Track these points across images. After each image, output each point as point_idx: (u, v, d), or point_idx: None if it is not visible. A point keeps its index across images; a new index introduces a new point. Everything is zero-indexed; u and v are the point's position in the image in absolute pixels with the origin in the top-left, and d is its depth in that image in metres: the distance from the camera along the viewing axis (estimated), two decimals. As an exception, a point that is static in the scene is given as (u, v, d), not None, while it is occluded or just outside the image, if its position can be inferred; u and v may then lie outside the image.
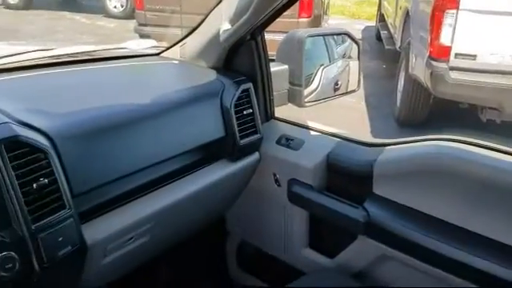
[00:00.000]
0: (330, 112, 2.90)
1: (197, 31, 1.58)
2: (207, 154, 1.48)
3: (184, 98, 1.36)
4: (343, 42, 1.98)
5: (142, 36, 6.05)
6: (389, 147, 1.38)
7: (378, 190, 1.34)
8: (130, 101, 1.28)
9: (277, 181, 1.55)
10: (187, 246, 1.69)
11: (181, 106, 1.34)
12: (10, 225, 0.94)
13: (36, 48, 1.68)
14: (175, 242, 1.57)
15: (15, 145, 0.97)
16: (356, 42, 1.85)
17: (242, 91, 1.47)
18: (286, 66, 1.69)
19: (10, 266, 0.92)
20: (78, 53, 1.69)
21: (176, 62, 1.65)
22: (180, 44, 1.66)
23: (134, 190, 1.28)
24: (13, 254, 0.92)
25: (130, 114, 1.23)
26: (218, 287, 1.94)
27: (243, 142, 1.46)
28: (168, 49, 1.72)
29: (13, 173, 0.95)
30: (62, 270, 1.06)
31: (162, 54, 1.73)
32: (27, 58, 1.57)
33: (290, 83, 1.70)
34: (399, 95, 4.75)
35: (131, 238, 1.25)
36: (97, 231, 1.13)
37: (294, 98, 1.70)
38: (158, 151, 1.27)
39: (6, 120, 1.02)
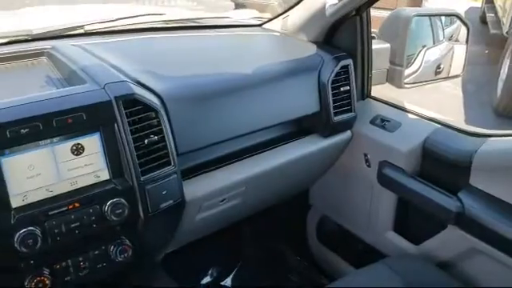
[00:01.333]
0: (422, 95, 2.78)
1: (301, 4, 1.58)
2: (300, 127, 1.50)
3: (283, 71, 1.38)
4: (451, 23, 1.88)
5: (238, 5, 6.11)
6: (492, 138, 1.31)
7: (475, 181, 1.29)
8: (232, 69, 1.32)
9: (367, 161, 1.54)
10: (271, 214, 1.74)
11: (279, 78, 1.36)
12: (122, 175, 1.03)
13: (147, 12, 1.77)
14: (261, 209, 1.63)
15: (131, 102, 1.05)
16: (466, 25, 1.75)
17: (341, 67, 1.46)
18: (388, 45, 1.65)
19: (120, 211, 1.01)
20: (185, 19, 1.76)
21: (277, 33, 1.67)
22: (282, 16, 1.67)
23: (230, 156, 1.34)
24: (123, 200, 1.01)
25: (233, 83, 1.28)
26: (297, 256, 1.99)
27: (337, 118, 1.46)
28: (270, 20, 1.74)
29: (128, 128, 1.03)
30: (161, 221, 1.15)
31: (263, 26, 1.75)
32: (138, 21, 1.67)
33: (391, 62, 1.66)
34: (501, 84, 4.42)
35: (224, 199, 1.32)
36: (195, 189, 1.21)
37: (393, 78, 1.66)
38: (254, 121, 1.32)
39: (125, 79, 1.11)
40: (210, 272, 1.88)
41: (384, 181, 1.48)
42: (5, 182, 0.91)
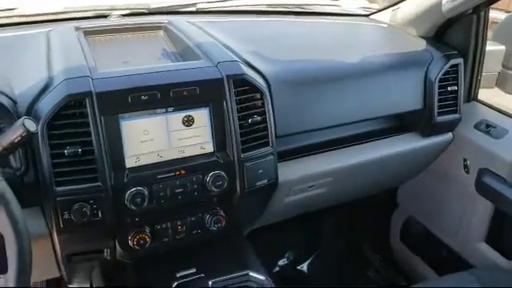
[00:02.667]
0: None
1: (415, -3, 1.53)
2: (399, 123, 1.47)
3: (389, 64, 1.36)
4: None
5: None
6: None
7: None
8: (338, 58, 1.32)
9: (466, 166, 1.48)
10: (356, 207, 1.73)
11: (385, 71, 1.34)
12: (225, 150, 1.09)
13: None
14: (346, 201, 1.62)
15: (241, 82, 1.09)
16: None
17: (451, 66, 1.40)
18: (503, 47, 1.55)
19: (220, 183, 1.06)
20: (291, 4, 1.78)
21: (385, 25, 1.63)
22: (392, 8, 1.63)
23: (323, 144, 1.35)
24: (223, 174, 1.07)
25: (337, 71, 1.28)
26: (376, 253, 1.96)
27: (440, 119, 1.41)
28: (378, 11, 1.71)
29: (235, 106, 1.07)
30: (254, 199, 1.19)
31: (371, 16, 1.72)
32: (246, 2, 1.71)
33: (504, 66, 1.56)
34: None
35: (312, 185, 1.34)
36: (288, 172, 1.23)
37: (505, 82, 1.57)
38: (354, 111, 1.31)
39: (236, 58, 1.15)
40: (287, 255, 1.92)
41: (482, 189, 1.42)
42: (122, 143, 0.99)
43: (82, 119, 0.96)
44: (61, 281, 1.30)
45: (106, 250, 1.09)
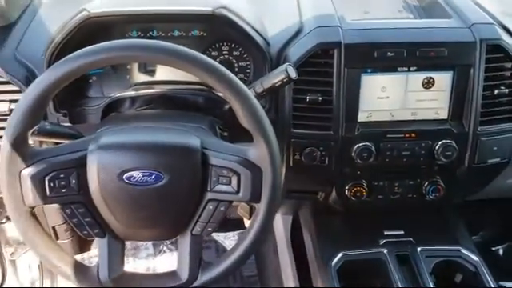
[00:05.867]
0: None
1: None
2: None
3: None
4: None
5: None
6: None
7: None
8: None
9: None
10: None
11: None
12: (460, 119, 1.02)
13: None
14: None
15: (494, 49, 0.99)
16: None
17: None
18: None
19: (449, 153, 1.01)
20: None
21: None
22: None
23: None
24: (454, 144, 1.01)
25: None
26: None
27: None
28: None
29: (483, 75, 0.99)
30: (478, 175, 1.09)
31: None
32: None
33: None
34: None
35: None
36: None
37: None
38: None
39: (491, 21, 1.04)
40: (481, 233, 1.79)
41: None
42: (358, 96, 1.00)
43: (327, 69, 0.99)
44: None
45: (320, 193, 1.15)
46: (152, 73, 1.11)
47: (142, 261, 1.65)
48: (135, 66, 1.10)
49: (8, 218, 1.50)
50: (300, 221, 1.36)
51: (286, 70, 0.85)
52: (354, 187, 1.08)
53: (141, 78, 1.10)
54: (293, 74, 0.86)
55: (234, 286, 1.66)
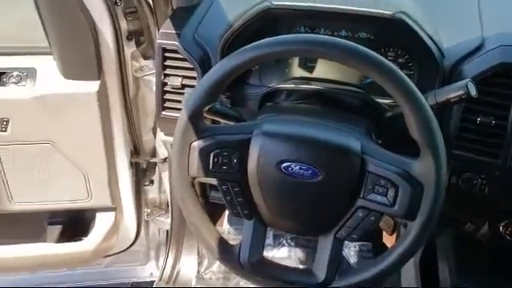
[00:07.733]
0: None
1: None
2: None
3: None
4: None
5: None
6: None
7: None
8: None
9: None
10: None
11: None
12: None
13: None
14: None
15: None
16: None
17: None
18: None
19: None
20: None
21: None
22: None
23: None
24: None
25: None
26: None
27: None
28: None
29: None
30: None
31: None
32: None
33: None
34: None
35: None
36: None
37: None
38: None
39: None
40: None
41: None
42: None
43: (506, 91, 0.89)
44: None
45: (469, 224, 1.05)
46: (311, 69, 1.10)
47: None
48: (296, 60, 1.10)
49: (151, 182, 1.64)
50: (435, 246, 1.27)
51: (467, 86, 0.79)
52: (510, 225, 0.97)
53: (299, 72, 1.10)
54: (473, 92, 0.79)
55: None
